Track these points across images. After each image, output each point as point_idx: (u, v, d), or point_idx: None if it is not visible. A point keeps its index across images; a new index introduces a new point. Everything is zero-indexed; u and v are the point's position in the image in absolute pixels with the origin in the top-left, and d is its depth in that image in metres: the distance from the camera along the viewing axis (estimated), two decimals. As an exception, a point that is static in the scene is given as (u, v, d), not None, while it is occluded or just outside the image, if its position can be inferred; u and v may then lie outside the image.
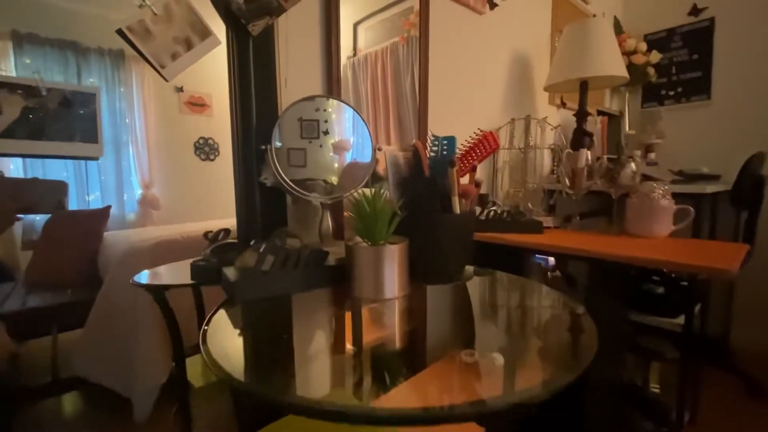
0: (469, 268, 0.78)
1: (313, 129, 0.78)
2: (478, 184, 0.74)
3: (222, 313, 0.60)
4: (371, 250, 0.63)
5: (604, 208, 1.39)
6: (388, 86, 1.14)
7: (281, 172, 0.72)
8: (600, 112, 1.81)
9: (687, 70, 2.15)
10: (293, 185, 0.74)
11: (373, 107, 1.11)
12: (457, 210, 0.71)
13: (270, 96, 0.76)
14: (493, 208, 1.28)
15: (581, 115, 1.43)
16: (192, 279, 0.80)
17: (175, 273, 0.97)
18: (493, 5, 1.40)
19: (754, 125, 1.94)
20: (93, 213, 2.56)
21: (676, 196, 1.14)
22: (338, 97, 0.87)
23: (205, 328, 0.54)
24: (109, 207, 2.47)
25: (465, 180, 0.76)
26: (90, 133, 0.54)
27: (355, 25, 1.04)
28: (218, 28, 0.72)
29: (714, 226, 1.79)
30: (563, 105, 1.84)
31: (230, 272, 0.66)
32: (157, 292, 0.82)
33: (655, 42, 2.21)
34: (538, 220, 1.25)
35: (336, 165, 0.83)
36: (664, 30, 2.21)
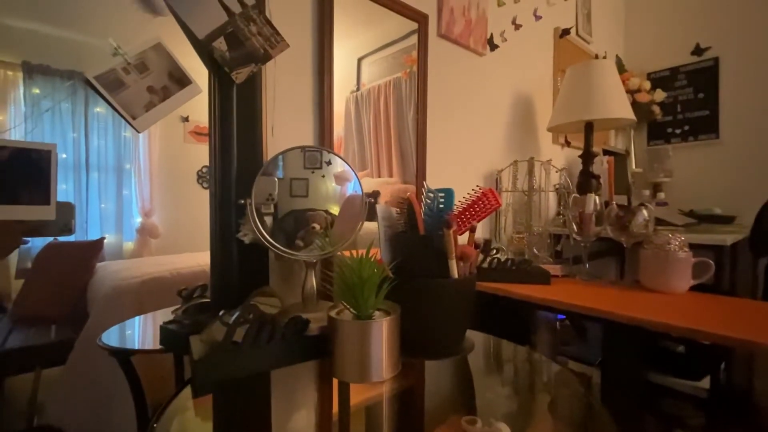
0: (470, 339, 0.70)
1: (316, 159, 0.76)
2: (477, 246, 0.66)
3: (183, 398, 0.52)
4: (356, 326, 0.55)
5: (613, 248, 1.31)
6: (391, 120, 1.12)
7: (261, 228, 0.66)
8: (606, 152, 1.76)
9: (693, 108, 2.11)
10: (273, 242, 0.67)
11: (375, 140, 1.10)
12: (455, 274, 0.63)
13: (253, 146, 0.70)
14: (497, 255, 1.21)
15: (587, 156, 1.37)
16: (160, 344, 0.72)
17: (150, 330, 0.89)
18: (493, 47, 1.38)
19: (766, 165, 1.88)
20: (86, 245, 2.50)
21: (694, 247, 1.06)
22: (330, 149, 0.82)
23: (154, 425, 0.45)
24: (103, 239, 2.41)
25: (464, 238, 0.69)
26: (40, 194, 0.48)
27: (359, 60, 1.05)
28: (198, 73, 0.68)
29: (734, 275, 1.70)
30: (567, 144, 1.79)
31: (196, 345, 0.58)
32: (121, 356, 0.74)
33: (658, 80, 2.20)
34: (546, 269, 1.16)
35: (338, 195, 0.80)
36: (668, 69, 2.20)
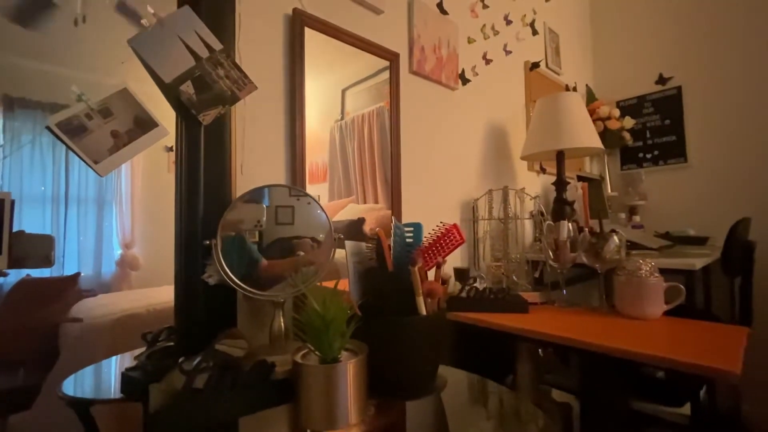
0: (443, 376, 0.69)
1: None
2: (445, 282, 0.66)
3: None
4: (320, 371, 0.53)
5: (591, 273, 1.32)
6: (375, 147, 1.14)
7: (227, 269, 0.65)
8: (580, 178, 1.81)
9: (661, 134, 2.21)
10: (240, 282, 0.66)
11: (360, 167, 1.12)
12: (423, 311, 0.63)
13: (221, 186, 0.71)
14: (474, 284, 1.21)
15: (560, 184, 1.41)
16: (121, 392, 0.69)
17: (115, 375, 0.85)
18: (465, 81, 1.43)
19: (733, 186, 1.95)
20: (59, 280, 2.42)
21: (665, 272, 1.08)
22: (301, 189, 0.83)
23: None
24: (78, 274, 2.34)
25: (432, 273, 0.69)
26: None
27: (344, 91, 1.07)
28: (165, 113, 0.69)
29: (708, 295, 1.72)
30: (543, 171, 1.84)
31: (155, 394, 0.56)
32: (79, 407, 0.70)
33: (627, 108, 2.30)
34: (524, 297, 1.17)
35: (324, 223, 0.79)
36: (635, 97, 2.31)
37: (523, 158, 1.51)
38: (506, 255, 1.36)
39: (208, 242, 0.65)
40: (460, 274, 1.23)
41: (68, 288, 2.20)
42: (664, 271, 1.09)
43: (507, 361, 1.26)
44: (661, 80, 2.22)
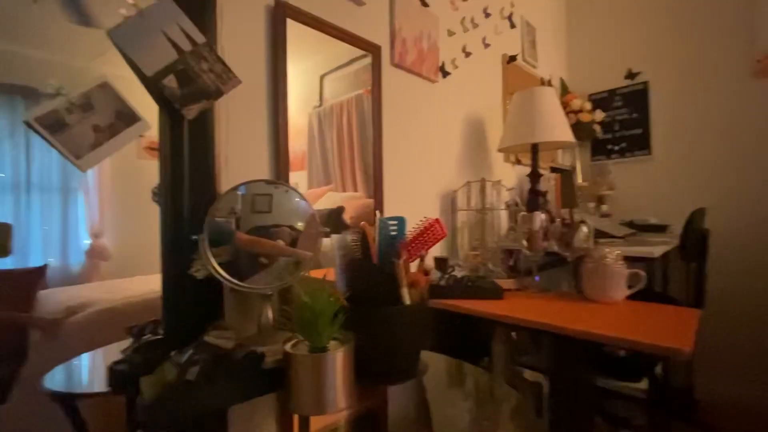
0: (424, 361, 0.73)
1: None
2: (427, 273, 0.70)
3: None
4: (311, 359, 0.56)
5: (563, 260, 1.40)
6: (354, 136, 1.14)
7: (215, 264, 0.66)
8: (554, 169, 1.89)
9: (629, 127, 2.31)
10: (228, 276, 0.67)
11: (339, 156, 1.11)
12: (407, 301, 0.67)
13: (206, 180, 0.71)
14: (454, 273, 1.26)
15: (534, 176, 1.47)
16: (108, 386, 0.69)
17: (98, 369, 0.85)
18: (445, 74, 1.46)
19: (691, 179, 2.09)
20: (25, 273, 2.32)
21: (628, 259, 1.16)
22: (284, 181, 0.84)
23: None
24: (45, 266, 2.25)
25: (415, 264, 0.72)
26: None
27: (322, 77, 1.06)
28: (148, 106, 0.68)
29: (666, 278, 1.86)
30: (518, 162, 1.90)
31: (146, 387, 0.57)
32: (65, 401, 0.70)
33: (599, 101, 2.39)
34: (499, 284, 1.23)
35: (303, 210, 0.79)
36: (606, 91, 2.40)
37: (500, 150, 1.56)
38: (483, 244, 1.42)
39: (195, 237, 0.65)
40: (440, 263, 1.28)
41: (33, 280, 2.12)
42: (627, 259, 1.17)
43: (483, 344, 1.33)
44: (630, 75, 2.31)
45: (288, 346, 0.59)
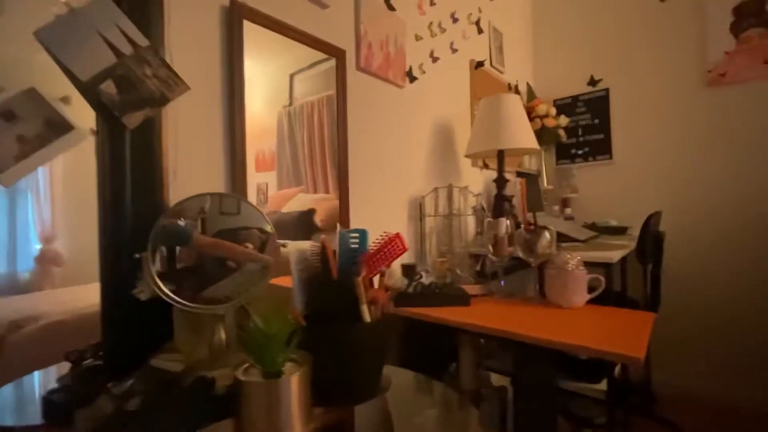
0: (387, 376, 0.71)
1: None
2: (388, 289, 0.68)
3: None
4: (263, 387, 0.53)
5: (528, 264, 1.42)
6: (325, 136, 1.11)
7: (161, 285, 0.62)
8: (519, 173, 1.92)
9: (591, 132, 2.40)
10: (176, 297, 0.63)
11: (310, 156, 1.08)
12: (367, 318, 0.65)
13: (151, 194, 0.66)
14: (420, 280, 1.25)
15: (500, 181, 1.49)
16: (43, 418, 0.63)
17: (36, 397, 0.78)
18: (413, 78, 1.45)
19: (649, 181, 2.18)
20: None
21: (588, 265, 1.20)
22: (240, 195, 0.80)
23: None
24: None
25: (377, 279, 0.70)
26: None
27: (292, 76, 1.02)
28: (83, 114, 0.63)
29: (625, 279, 1.94)
30: (486, 167, 1.92)
31: (82, 421, 0.53)
32: (-7, 437, 0.64)
33: (563, 107, 2.46)
34: (466, 290, 1.23)
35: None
36: (569, 96, 2.47)
37: (467, 156, 1.57)
38: (451, 250, 1.42)
39: (138, 255, 0.61)
40: (408, 270, 1.27)
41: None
42: (587, 264, 1.21)
43: (451, 349, 1.33)
44: (592, 82, 2.39)
45: (240, 372, 0.56)
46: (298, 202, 1.04)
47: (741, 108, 1.91)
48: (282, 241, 0.72)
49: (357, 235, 0.73)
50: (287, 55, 1.02)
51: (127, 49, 0.62)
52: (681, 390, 1.99)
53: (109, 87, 0.61)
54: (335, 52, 1.11)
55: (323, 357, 0.62)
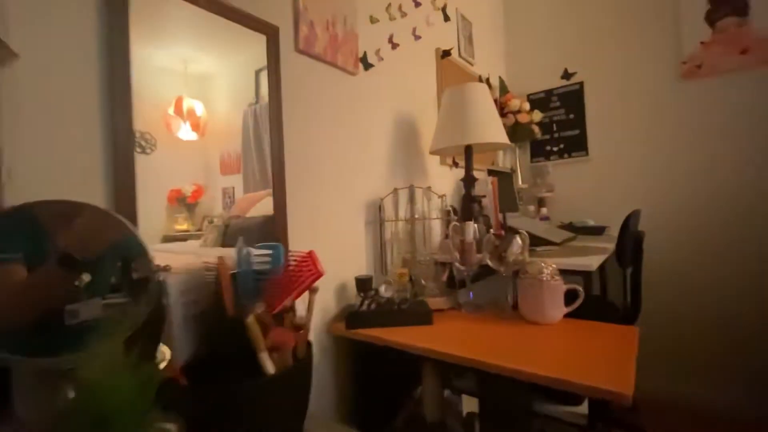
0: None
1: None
2: (300, 328, 0.51)
3: None
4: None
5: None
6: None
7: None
8: (491, 172, 1.78)
9: (566, 128, 2.29)
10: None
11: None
12: (270, 370, 0.47)
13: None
14: (376, 296, 1.09)
15: (468, 181, 1.34)
16: None
17: None
18: (368, 65, 1.28)
19: (626, 178, 2.09)
20: None
21: (565, 273, 1.06)
22: (91, 204, 0.61)
23: None
24: None
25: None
26: None
27: (257, 72, 0.94)
28: None
29: (605, 281, 1.83)
30: (455, 165, 1.78)
31: None
32: None
33: (536, 102, 2.34)
34: (429, 306, 1.08)
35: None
36: (543, 91, 2.36)
37: (432, 153, 1.41)
38: (414, 258, 1.26)
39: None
40: (362, 284, 1.10)
41: None
42: (564, 272, 1.07)
43: (416, 371, 1.17)
44: (566, 75, 2.28)
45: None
46: (265, 205, 0.95)
47: (718, 100, 1.82)
48: (163, 264, 0.53)
49: (267, 253, 0.56)
50: (203, 29, 0.84)
51: None
52: (662, 395, 1.89)
53: None
54: (265, 29, 0.93)
55: (211, 423, 0.45)
